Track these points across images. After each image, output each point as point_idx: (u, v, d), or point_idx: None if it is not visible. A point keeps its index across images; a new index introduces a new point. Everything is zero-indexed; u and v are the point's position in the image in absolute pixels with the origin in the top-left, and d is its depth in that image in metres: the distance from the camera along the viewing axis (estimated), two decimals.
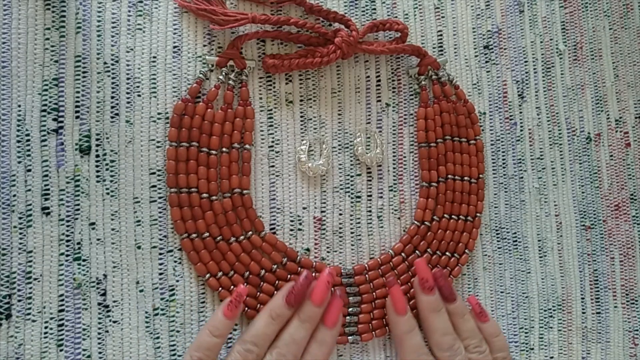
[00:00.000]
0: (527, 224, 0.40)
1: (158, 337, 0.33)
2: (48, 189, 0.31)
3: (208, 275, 0.33)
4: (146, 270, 0.33)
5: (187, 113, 0.33)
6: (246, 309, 0.34)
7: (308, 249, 0.36)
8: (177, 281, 0.33)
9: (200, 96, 0.34)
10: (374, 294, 0.36)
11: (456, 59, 0.39)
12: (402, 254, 0.37)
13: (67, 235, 0.31)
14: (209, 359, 0.30)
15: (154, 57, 0.34)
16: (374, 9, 0.38)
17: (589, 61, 0.42)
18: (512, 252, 0.40)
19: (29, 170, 0.31)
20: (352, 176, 0.37)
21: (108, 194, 0.32)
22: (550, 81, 0.41)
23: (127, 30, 0.33)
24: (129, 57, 0.33)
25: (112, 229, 0.32)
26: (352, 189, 0.37)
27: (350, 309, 0.36)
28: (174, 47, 0.34)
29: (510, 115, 0.41)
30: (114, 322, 0.32)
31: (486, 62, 0.40)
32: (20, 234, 0.31)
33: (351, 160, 0.37)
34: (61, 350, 0.31)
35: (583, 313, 0.41)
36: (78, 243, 0.31)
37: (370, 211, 0.37)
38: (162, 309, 0.33)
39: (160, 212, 0.33)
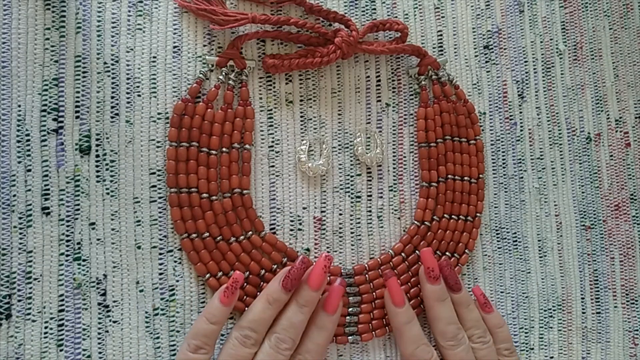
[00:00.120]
0: (527, 224, 0.41)
1: (158, 337, 0.33)
2: (48, 189, 0.31)
3: (208, 275, 0.33)
4: (146, 270, 0.33)
5: (187, 113, 0.33)
6: (245, 297, 0.34)
7: (308, 249, 0.36)
8: (177, 281, 0.33)
9: (200, 96, 0.34)
10: (374, 294, 0.36)
11: (456, 59, 0.39)
12: (402, 254, 0.37)
13: (67, 235, 0.31)
14: (206, 346, 0.30)
15: (154, 57, 0.34)
16: (374, 9, 0.38)
17: (589, 61, 0.42)
18: (512, 252, 0.40)
19: (29, 170, 0.31)
20: (352, 176, 0.37)
21: (108, 194, 0.32)
22: (550, 81, 0.41)
23: (127, 30, 0.33)
24: (129, 57, 0.33)
25: (112, 229, 0.32)
26: (352, 189, 0.37)
27: (350, 309, 0.36)
28: (174, 47, 0.34)
29: (510, 115, 0.41)
30: (114, 322, 0.32)
31: (486, 62, 0.40)
32: (20, 234, 0.31)
33: (351, 160, 0.37)
34: (61, 350, 0.31)
35: (583, 313, 0.41)
36: (78, 243, 0.31)
37: (370, 211, 0.37)
38: (162, 309, 0.33)
39: (160, 212, 0.33)
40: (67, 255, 0.31)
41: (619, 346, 0.41)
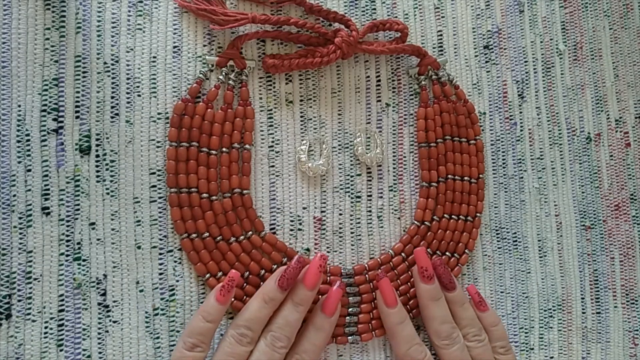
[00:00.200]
0: (527, 224, 0.41)
1: (158, 337, 0.33)
2: (48, 189, 0.31)
3: (208, 275, 0.33)
4: (146, 270, 0.33)
5: (187, 113, 0.33)
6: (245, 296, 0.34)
7: (308, 249, 0.36)
8: (177, 281, 0.33)
9: (200, 96, 0.34)
10: (373, 294, 0.36)
11: (456, 59, 0.39)
12: (402, 254, 0.37)
13: (67, 235, 0.31)
14: (202, 344, 0.30)
15: (154, 57, 0.34)
16: (374, 9, 0.38)
17: (589, 61, 0.42)
18: (512, 252, 0.40)
19: (29, 170, 0.31)
20: (352, 176, 0.37)
21: (108, 194, 0.32)
22: (550, 81, 0.41)
23: (127, 30, 0.33)
24: (129, 57, 0.33)
25: (112, 229, 0.32)
26: (352, 189, 0.37)
27: (350, 309, 0.36)
28: (174, 47, 0.34)
29: (510, 115, 0.41)
30: (114, 322, 0.32)
31: (486, 62, 0.40)
32: (20, 234, 0.31)
33: (351, 160, 0.37)
34: (61, 350, 0.31)
35: (583, 313, 0.41)
36: (78, 243, 0.31)
37: (370, 211, 0.37)
38: (162, 309, 0.33)
39: (160, 212, 0.33)
40: (67, 255, 0.31)
41: (619, 346, 0.41)
